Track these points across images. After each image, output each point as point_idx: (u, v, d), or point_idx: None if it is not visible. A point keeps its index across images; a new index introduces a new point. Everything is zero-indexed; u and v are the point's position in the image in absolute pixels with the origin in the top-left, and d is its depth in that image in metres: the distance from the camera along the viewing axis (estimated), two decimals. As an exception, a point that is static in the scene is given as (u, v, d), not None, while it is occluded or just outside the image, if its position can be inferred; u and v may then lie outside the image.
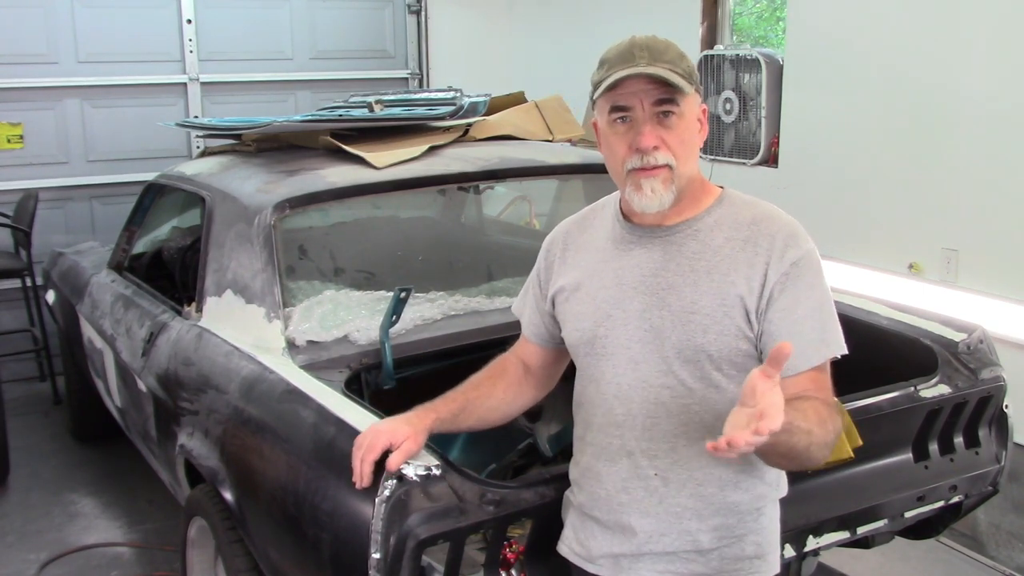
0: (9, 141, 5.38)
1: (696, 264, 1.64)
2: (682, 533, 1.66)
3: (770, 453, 1.49)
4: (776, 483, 1.73)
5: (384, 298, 2.65)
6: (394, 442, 1.77)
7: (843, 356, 1.65)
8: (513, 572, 1.91)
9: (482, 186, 3.42)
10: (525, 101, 3.94)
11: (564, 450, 2.53)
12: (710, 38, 4.85)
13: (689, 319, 1.61)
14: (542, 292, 1.87)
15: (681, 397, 1.63)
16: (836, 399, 1.63)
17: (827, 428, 1.52)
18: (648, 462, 1.65)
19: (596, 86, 1.64)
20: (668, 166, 1.61)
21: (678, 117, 1.61)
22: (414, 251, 3.26)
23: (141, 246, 4.00)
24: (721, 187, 1.74)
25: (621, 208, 1.74)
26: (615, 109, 1.62)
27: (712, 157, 4.58)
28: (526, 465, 2.65)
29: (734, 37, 4.92)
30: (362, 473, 1.78)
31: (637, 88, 1.59)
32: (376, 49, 6.29)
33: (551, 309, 1.83)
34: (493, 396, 1.91)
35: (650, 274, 1.67)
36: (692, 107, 1.64)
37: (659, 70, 1.58)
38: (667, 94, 1.59)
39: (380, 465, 1.79)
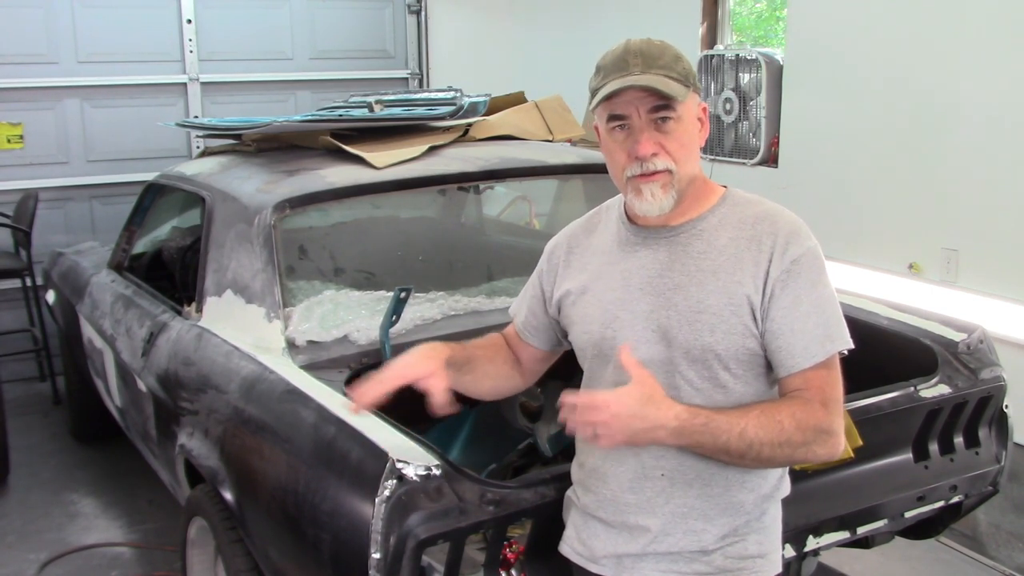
0: (9, 141, 5.38)
1: (702, 264, 1.64)
2: (687, 533, 1.66)
3: (698, 450, 1.58)
4: (779, 483, 1.74)
5: (384, 298, 2.65)
6: (419, 377, 1.70)
7: (843, 356, 1.65)
8: (513, 572, 1.91)
9: (482, 186, 3.42)
10: (525, 101, 3.94)
11: (564, 450, 2.53)
12: (710, 38, 4.85)
13: (696, 319, 1.62)
14: (544, 295, 1.87)
15: (688, 397, 1.62)
16: (840, 396, 1.63)
17: (784, 428, 1.54)
18: (655, 462, 1.65)
19: (593, 94, 1.65)
20: (668, 170, 1.62)
21: (676, 122, 1.61)
22: (414, 251, 3.26)
23: (141, 246, 4.00)
24: (724, 186, 1.74)
25: (625, 210, 1.74)
26: (612, 118, 1.63)
27: (712, 157, 4.58)
28: (526, 465, 2.65)
29: (734, 37, 4.92)
30: (362, 393, 1.71)
31: (632, 97, 1.60)
32: (376, 49, 6.30)
33: (556, 314, 1.83)
34: (494, 364, 1.92)
35: (656, 275, 1.67)
36: (690, 109, 1.64)
37: (653, 79, 1.58)
38: (663, 101, 1.59)
39: (380, 459, 1.80)
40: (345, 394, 2.21)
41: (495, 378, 1.93)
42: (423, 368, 1.72)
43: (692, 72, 1.65)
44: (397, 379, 1.71)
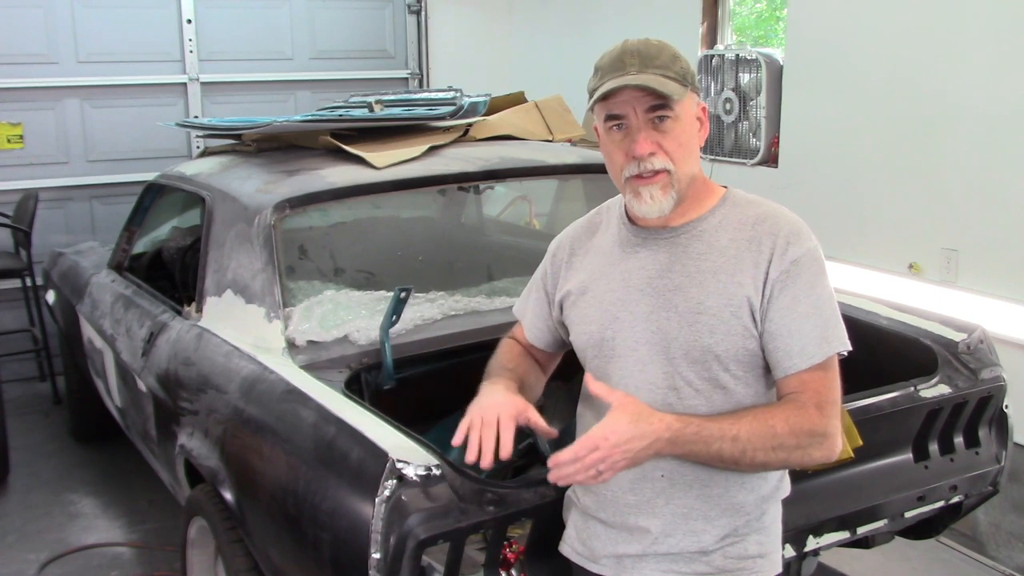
0: (9, 141, 5.38)
1: (702, 265, 1.64)
2: (688, 534, 1.66)
3: (693, 459, 1.58)
4: (779, 483, 1.74)
5: (384, 298, 2.65)
6: (520, 413, 1.65)
7: (843, 357, 1.65)
8: (513, 572, 1.91)
9: (482, 186, 3.42)
10: (525, 101, 3.94)
11: (564, 450, 2.52)
12: (710, 38, 4.85)
13: (696, 320, 1.62)
14: (547, 296, 1.87)
15: (688, 398, 1.63)
16: (837, 398, 1.63)
17: (776, 432, 1.54)
18: (655, 463, 1.65)
19: (591, 94, 1.64)
20: (666, 171, 1.61)
21: (673, 121, 1.61)
22: (414, 251, 3.26)
23: (141, 246, 4.00)
24: (725, 187, 1.74)
25: (626, 211, 1.74)
26: (610, 118, 1.63)
27: (712, 157, 4.58)
28: (526, 465, 2.65)
29: (734, 37, 4.92)
30: (486, 453, 1.60)
31: (629, 96, 1.59)
32: (376, 49, 6.29)
33: (559, 314, 1.83)
34: (533, 373, 1.92)
35: (656, 275, 1.67)
36: (688, 109, 1.63)
37: (649, 79, 1.57)
38: (659, 100, 1.59)
39: (380, 459, 1.79)
40: (345, 394, 2.21)
41: (536, 385, 1.93)
42: (520, 405, 1.68)
43: (691, 72, 1.64)
44: (511, 424, 1.63)
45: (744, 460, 1.55)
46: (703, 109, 1.69)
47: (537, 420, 1.67)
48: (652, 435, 1.50)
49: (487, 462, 1.60)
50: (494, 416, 1.63)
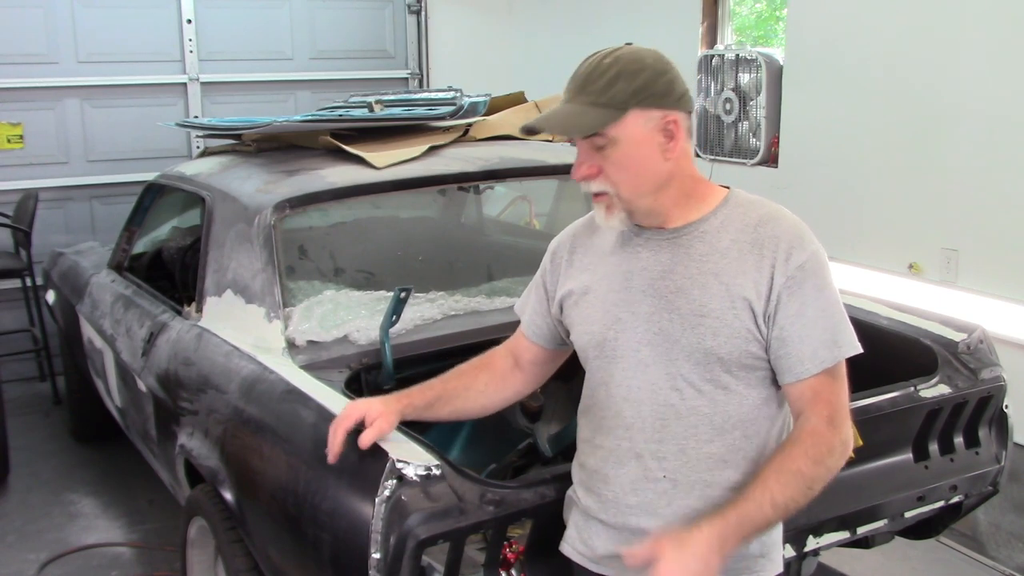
0: (9, 141, 5.38)
1: (704, 266, 1.64)
2: (689, 535, 1.66)
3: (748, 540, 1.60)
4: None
5: (384, 298, 2.65)
6: (367, 418, 1.83)
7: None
8: (513, 572, 1.91)
9: (482, 186, 3.42)
10: (525, 101, 3.94)
11: (564, 450, 2.53)
12: (710, 38, 4.85)
13: (699, 322, 1.61)
14: (547, 295, 1.87)
15: (690, 399, 1.62)
16: (847, 402, 1.63)
17: (804, 474, 1.55)
18: (657, 464, 1.65)
19: None
20: (605, 193, 1.63)
21: (611, 146, 1.59)
22: (414, 251, 3.26)
23: (141, 246, 4.00)
24: (727, 187, 1.73)
25: None
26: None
27: (712, 157, 4.58)
28: (526, 465, 2.65)
29: (734, 37, 4.92)
30: (332, 445, 1.83)
31: None
32: (376, 49, 6.30)
33: (559, 313, 1.83)
34: (473, 387, 1.92)
35: (658, 277, 1.67)
36: (631, 129, 1.58)
37: (566, 115, 1.60)
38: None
39: (380, 459, 1.80)
40: (345, 394, 2.21)
41: (482, 395, 1.93)
42: (373, 411, 1.84)
43: (634, 92, 1.57)
44: (347, 422, 1.84)
45: (790, 510, 1.56)
46: (672, 120, 1.60)
47: (377, 428, 1.82)
48: (708, 551, 1.48)
49: (332, 456, 1.84)
50: (349, 414, 1.86)
